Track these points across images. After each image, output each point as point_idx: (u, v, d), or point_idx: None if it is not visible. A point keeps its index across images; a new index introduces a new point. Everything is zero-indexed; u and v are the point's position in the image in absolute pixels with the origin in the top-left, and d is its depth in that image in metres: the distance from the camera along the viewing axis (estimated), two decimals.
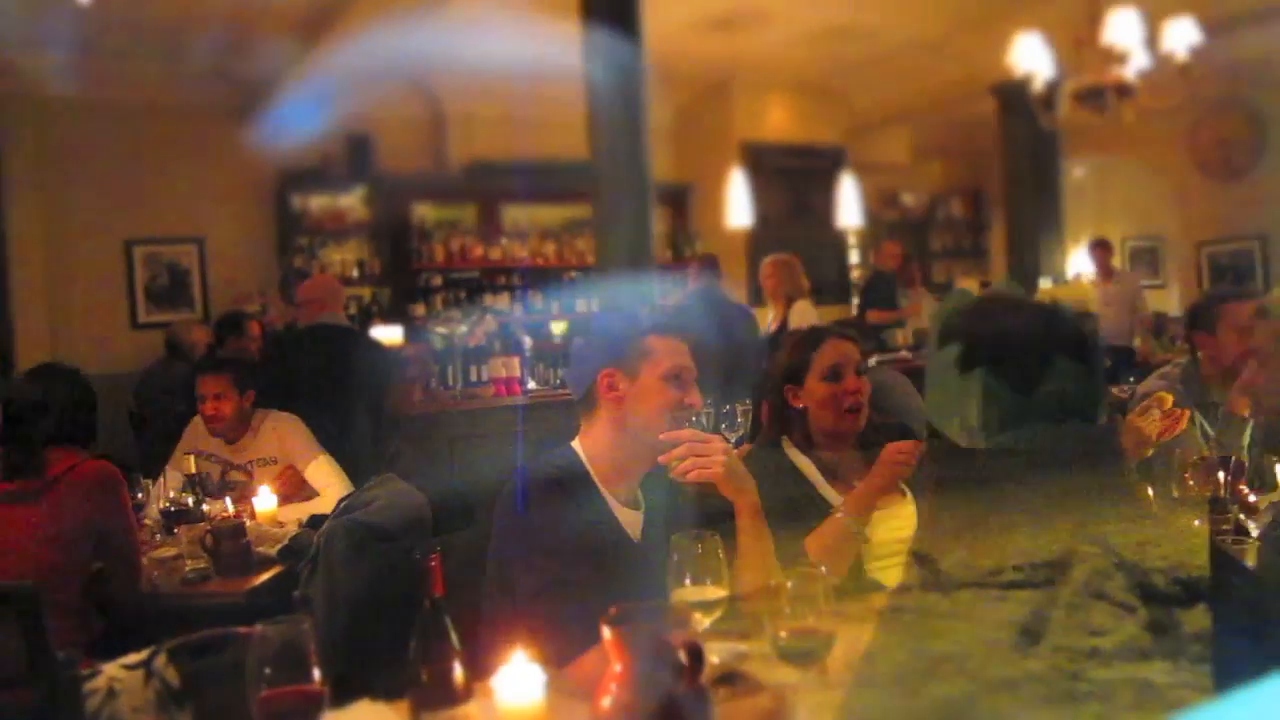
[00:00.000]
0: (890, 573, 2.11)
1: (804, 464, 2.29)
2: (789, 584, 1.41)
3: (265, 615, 1.16)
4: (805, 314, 5.90)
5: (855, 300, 8.30)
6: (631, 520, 1.89)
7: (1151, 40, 5.01)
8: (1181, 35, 4.99)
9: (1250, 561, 1.64)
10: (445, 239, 8.24)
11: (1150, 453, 2.52)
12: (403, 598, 1.46)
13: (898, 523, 2.18)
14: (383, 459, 4.36)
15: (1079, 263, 10.67)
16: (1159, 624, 1.31)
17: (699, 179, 9.07)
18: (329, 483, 3.48)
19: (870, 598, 1.92)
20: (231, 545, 2.72)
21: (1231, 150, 9.23)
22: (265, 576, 2.72)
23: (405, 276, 8.07)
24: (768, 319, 6.27)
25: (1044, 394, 1.37)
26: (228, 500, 3.11)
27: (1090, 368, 1.38)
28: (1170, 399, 2.67)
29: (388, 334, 5.75)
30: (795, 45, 7.88)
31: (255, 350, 5.61)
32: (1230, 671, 1.13)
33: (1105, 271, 7.82)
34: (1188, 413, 2.68)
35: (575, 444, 1.93)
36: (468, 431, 5.04)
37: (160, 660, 1.27)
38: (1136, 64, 4.98)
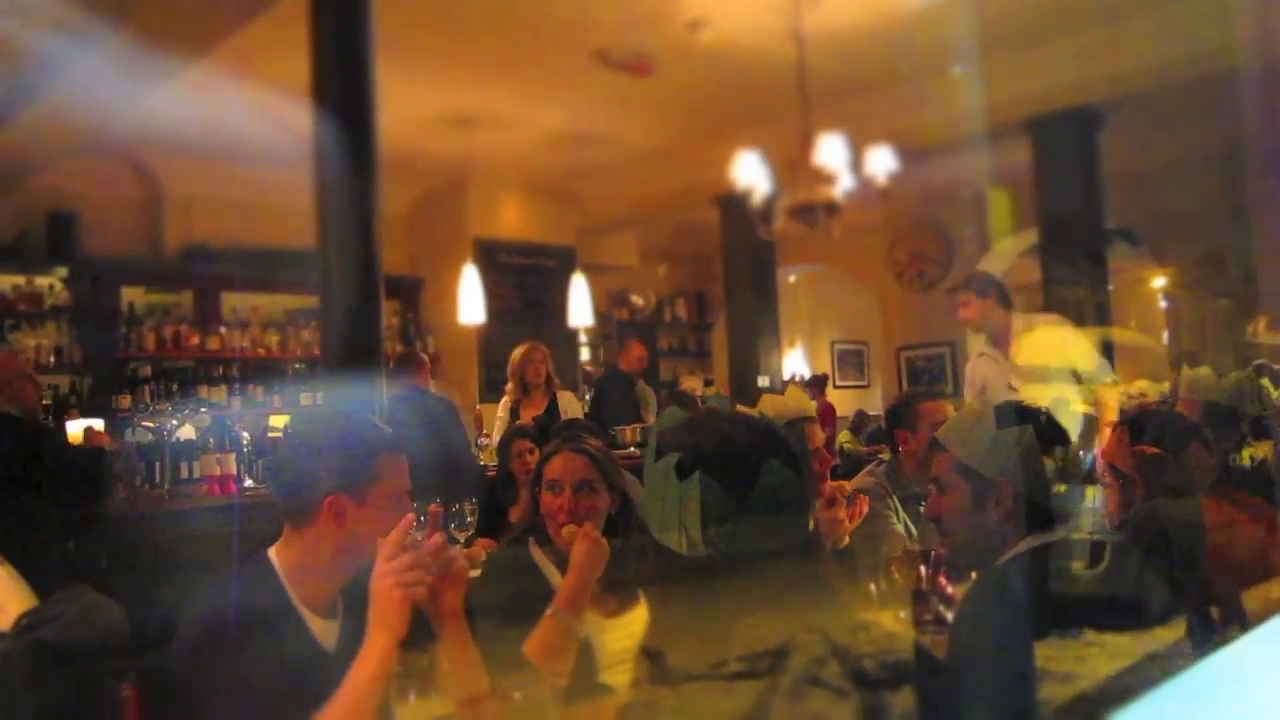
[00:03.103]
0: (625, 678, 2.10)
1: (545, 565, 2.29)
2: (516, 694, 1.37)
3: None
4: (572, 404, 5.91)
5: (587, 397, 8.37)
6: (327, 630, 1.77)
7: (856, 164, 5.46)
8: (881, 161, 5.47)
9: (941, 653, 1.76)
10: (157, 326, 7.72)
11: (846, 542, 2.67)
12: None
13: (634, 628, 2.17)
14: (74, 568, 3.95)
15: (793, 363, 11.35)
16: (870, 708, 1.37)
17: (431, 273, 9.01)
18: (6, 599, 3.10)
19: (601, 700, 1.90)
20: None
21: (925, 264, 10.16)
22: None
23: (110, 365, 7.48)
24: (503, 406, 6.14)
25: (758, 493, 1.44)
26: None
27: (798, 469, 1.47)
28: (849, 486, 2.85)
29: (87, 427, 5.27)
30: (530, 147, 8.05)
31: None
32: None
33: None
34: (866, 499, 2.86)
35: (272, 554, 1.80)
36: (176, 534, 4.67)
37: None
38: (843, 184, 5.41)
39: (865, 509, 2.77)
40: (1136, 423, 2.54)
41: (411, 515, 1.72)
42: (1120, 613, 1.80)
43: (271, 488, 1.85)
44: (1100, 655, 1.69)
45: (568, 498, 2.30)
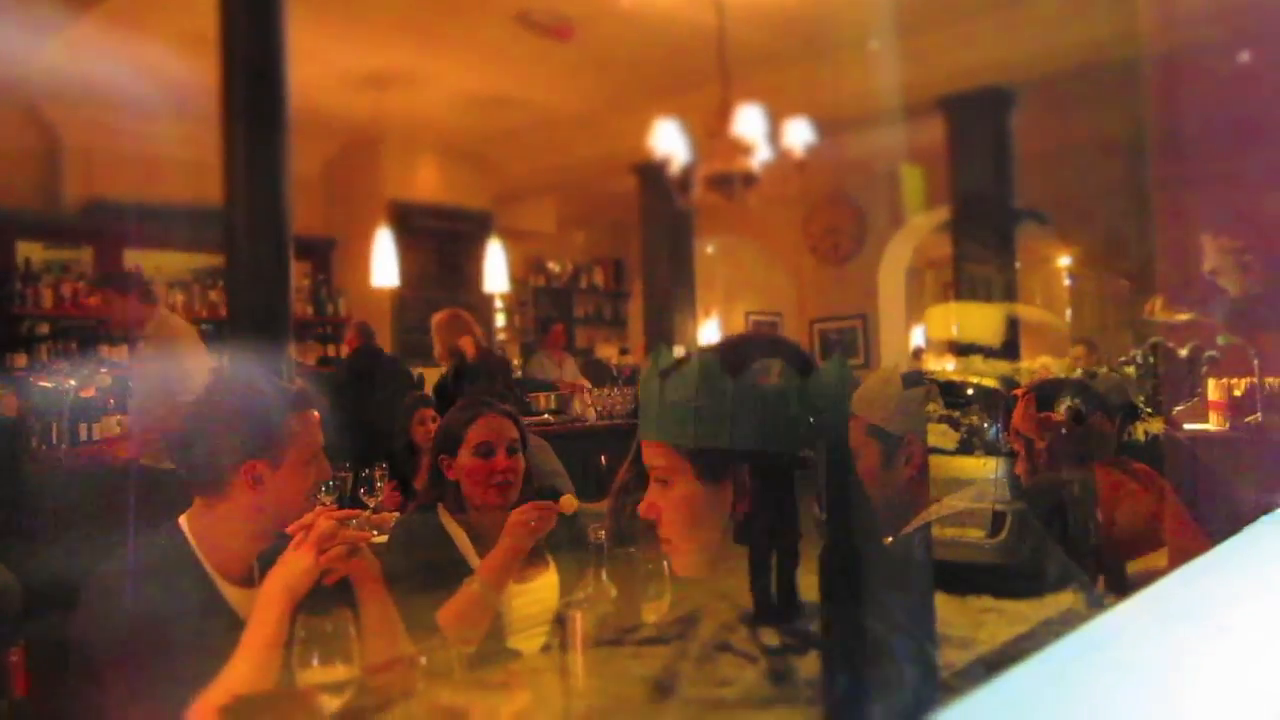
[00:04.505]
0: (533, 644, 2.09)
1: (456, 532, 2.25)
2: (421, 659, 1.36)
3: None
4: None
5: None
6: (244, 598, 1.72)
7: (773, 136, 5.49)
8: (798, 134, 5.50)
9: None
10: (55, 283, 7.44)
11: None
12: None
13: (543, 594, 2.17)
14: None
15: (709, 333, 11.42)
16: (777, 672, 1.39)
17: (343, 234, 8.83)
18: None
19: (508, 665, 1.90)
20: None
21: (839, 238, 10.28)
22: None
23: (4, 323, 7.21)
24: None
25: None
26: None
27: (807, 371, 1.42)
28: None
29: None
30: (446, 109, 7.93)
31: None
32: (839, 712, 1.20)
33: None
34: None
35: (183, 522, 1.75)
36: (73, 498, 4.53)
37: None
38: (760, 156, 5.43)
39: None
40: (1042, 391, 2.61)
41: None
42: (1019, 580, 1.85)
43: (176, 462, 1.78)
44: (999, 621, 1.74)
45: (502, 458, 2.27)
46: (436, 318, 5.86)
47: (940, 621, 1.52)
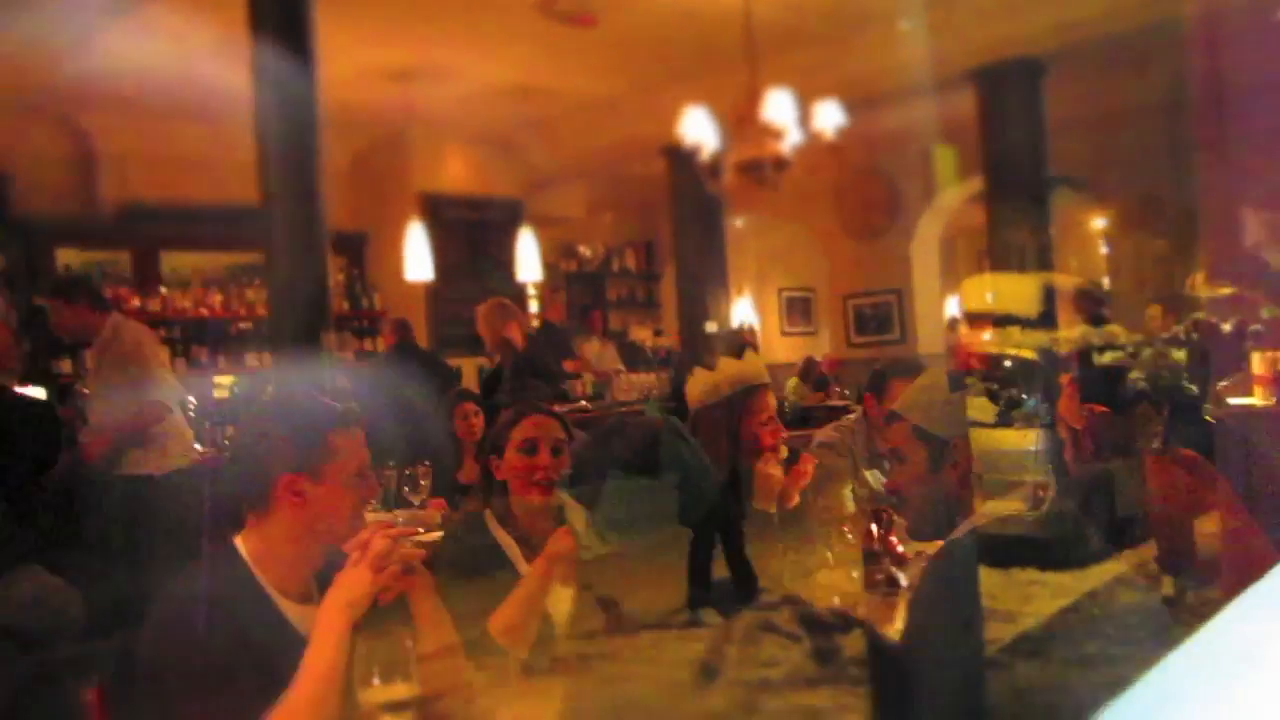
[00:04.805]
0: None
1: (503, 537, 2.29)
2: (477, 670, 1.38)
3: None
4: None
5: None
6: (304, 615, 1.73)
7: (803, 118, 5.45)
8: (829, 116, 5.45)
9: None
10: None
11: (795, 501, 2.68)
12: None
13: None
14: (23, 545, 3.87)
15: (742, 311, 11.40)
16: (822, 651, 1.40)
17: (376, 228, 8.90)
18: None
19: (555, 645, 1.92)
20: None
21: (872, 213, 10.21)
22: None
23: (47, 329, 7.30)
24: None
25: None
26: None
27: (654, 470, 1.58)
28: (785, 452, 2.82)
29: (28, 394, 5.13)
30: (474, 99, 7.94)
31: None
32: (885, 692, 1.21)
33: None
34: (813, 459, 2.84)
35: (238, 541, 1.77)
36: (121, 503, 4.56)
37: None
38: (791, 140, 5.39)
39: (809, 469, 2.76)
40: (1087, 379, 2.58)
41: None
42: (1063, 551, 1.86)
43: (226, 477, 1.82)
44: (1043, 593, 1.74)
45: (546, 456, 2.32)
46: (481, 307, 5.89)
47: (986, 595, 1.52)
